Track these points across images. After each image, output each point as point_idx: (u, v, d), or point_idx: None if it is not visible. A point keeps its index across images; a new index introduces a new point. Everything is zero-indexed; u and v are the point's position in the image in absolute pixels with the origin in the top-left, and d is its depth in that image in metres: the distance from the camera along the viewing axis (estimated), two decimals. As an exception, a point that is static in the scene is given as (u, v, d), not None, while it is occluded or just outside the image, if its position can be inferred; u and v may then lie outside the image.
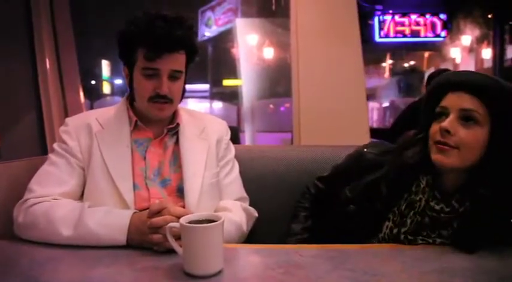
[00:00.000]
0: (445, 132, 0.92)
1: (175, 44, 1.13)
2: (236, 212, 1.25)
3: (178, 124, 1.26)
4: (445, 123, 0.92)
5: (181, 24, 1.14)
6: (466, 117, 0.92)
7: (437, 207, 0.98)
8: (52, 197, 1.11)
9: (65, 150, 1.19)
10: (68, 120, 1.25)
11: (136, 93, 1.20)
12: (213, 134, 1.32)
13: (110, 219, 1.03)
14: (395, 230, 1.04)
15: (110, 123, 1.23)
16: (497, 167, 0.92)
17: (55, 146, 1.21)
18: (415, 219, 1.02)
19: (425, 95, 1.05)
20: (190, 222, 0.85)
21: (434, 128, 0.96)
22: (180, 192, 1.22)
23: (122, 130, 1.22)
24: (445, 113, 0.95)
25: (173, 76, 1.17)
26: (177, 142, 1.26)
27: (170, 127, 1.25)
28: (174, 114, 1.28)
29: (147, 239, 0.97)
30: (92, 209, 1.07)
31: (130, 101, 1.27)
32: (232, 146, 1.39)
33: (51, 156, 1.20)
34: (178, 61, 1.16)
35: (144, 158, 1.22)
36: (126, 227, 1.01)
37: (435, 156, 0.95)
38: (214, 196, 1.28)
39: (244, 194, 1.36)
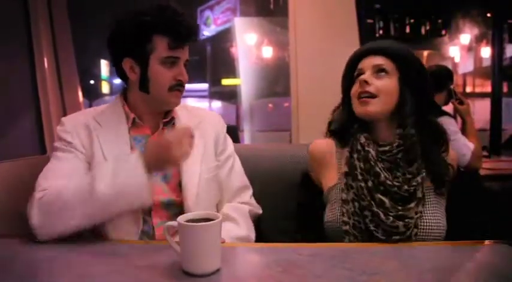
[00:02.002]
0: (364, 82, 1.11)
1: (195, 35, 1.19)
2: (243, 224, 1.24)
3: (173, 117, 1.27)
4: (363, 76, 1.12)
5: (188, 17, 1.18)
6: (378, 70, 1.12)
7: (386, 148, 1.11)
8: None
9: (70, 146, 1.17)
10: (64, 119, 1.23)
11: (153, 83, 1.18)
12: (209, 127, 1.32)
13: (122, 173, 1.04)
14: (369, 183, 1.09)
15: (107, 121, 1.22)
16: (410, 108, 1.11)
17: (57, 144, 1.19)
18: (376, 166, 1.10)
19: (345, 68, 1.22)
20: (188, 221, 0.85)
21: (355, 88, 1.15)
22: (181, 187, 1.22)
23: (120, 127, 1.22)
24: (361, 74, 1.15)
25: (185, 65, 1.21)
26: None
27: (166, 121, 1.26)
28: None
29: (171, 154, 1.02)
30: (98, 169, 1.08)
31: (125, 97, 1.26)
32: (229, 139, 1.40)
33: (56, 153, 1.18)
34: (188, 51, 1.21)
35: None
36: (142, 169, 1.03)
37: (359, 109, 1.13)
38: (213, 190, 1.28)
39: (247, 183, 1.37)
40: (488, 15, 5.18)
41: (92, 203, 1.03)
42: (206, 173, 1.26)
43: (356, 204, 1.09)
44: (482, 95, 7.23)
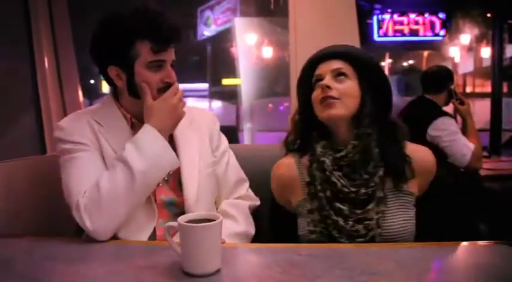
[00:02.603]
0: (326, 87, 1.09)
1: (178, 35, 1.17)
2: (241, 221, 1.25)
3: None
4: (323, 81, 1.11)
5: (170, 17, 1.16)
6: (338, 74, 1.12)
7: (343, 154, 1.10)
8: None
9: (79, 146, 1.15)
10: (62, 123, 1.20)
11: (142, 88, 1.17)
12: (203, 124, 1.34)
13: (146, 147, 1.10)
14: (328, 192, 1.09)
15: (106, 121, 1.21)
16: (370, 109, 1.11)
17: (66, 146, 1.15)
18: (333, 176, 1.09)
19: (300, 74, 1.21)
20: (188, 222, 0.85)
21: (316, 93, 1.13)
22: (181, 186, 1.23)
23: (121, 127, 1.22)
24: (320, 79, 1.13)
25: (172, 66, 1.19)
26: (171, 136, 1.25)
27: None
28: None
29: (180, 112, 1.15)
30: (122, 154, 1.10)
31: (117, 99, 1.26)
32: (223, 136, 1.41)
33: (68, 156, 1.14)
34: (173, 52, 1.20)
35: None
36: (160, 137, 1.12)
37: (322, 114, 1.11)
38: (212, 187, 1.30)
39: (243, 176, 1.39)
40: (488, 15, 5.17)
41: (134, 185, 1.06)
42: (205, 169, 1.26)
43: (319, 212, 1.10)
44: (483, 95, 7.24)
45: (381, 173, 1.08)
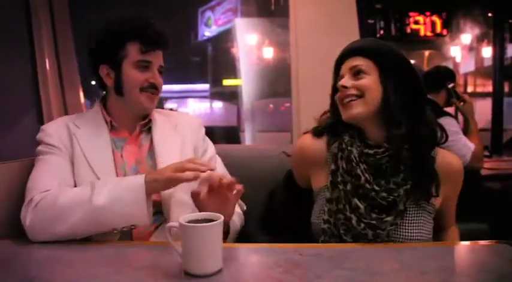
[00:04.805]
0: (343, 88, 1.09)
1: (165, 40, 1.26)
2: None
3: (150, 120, 1.31)
4: (340, 82, 1.10)
5: (159, 24, 1.24)
6: (356, 72, 1.09)
7: (371, 152, 1.07)
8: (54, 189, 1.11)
9: (53, 148, 1.21)
10: (44, 127, 1.27)
11: (126, 85, 1.23)
12: (186, 129, 1.35)
13: (123, 185, 1.07)
14: (348, 185, 1.07)
15: (86, 124, 1.26)
16: (395, 104, 1.06)
17: (41, 148, 1.22)
18: (358, 168, 1.07)
19: (333, 75, 1.20)
20: (189, 222, 0.85)
21: (337, 95, 1.13)
22: None
23: (100, 130, 1.26)
24: (342, 78, 1.12)
25: (160, 71, 1.27)
26: (152, 140, 1.29)
27: (143, 123, 1.30)
28: None
29: (174, 177, 1.04)
30: (101, 183, 1.09)
31: (104, 104, 1.31)
32: (209, 141, 1.41)
33: (40, 157, 1.21)
34: (162, 58, 1.27)
35: (121, 156, 1.25)
36: (143, 180, 1.06)
37: (344, 115, 1.11)
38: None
39: (228, 175, 1.36)
40: (490, 15, 5.16)
41: (87, 214, 1.04)
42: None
43: (336, 204, 1.09)
44: (484, 95, 7.22)
45: (408, 186, 1.06)
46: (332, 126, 1.17)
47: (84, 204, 1.04)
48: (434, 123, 1.11)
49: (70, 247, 1.02)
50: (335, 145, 1.14)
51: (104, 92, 1.33)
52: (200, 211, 1.08)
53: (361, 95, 1.07)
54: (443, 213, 1.16)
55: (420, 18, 5.18)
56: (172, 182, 1.07)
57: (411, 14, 5.15)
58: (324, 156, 1.16)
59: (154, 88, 1.25)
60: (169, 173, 1.05)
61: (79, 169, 1.19)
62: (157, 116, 1.35)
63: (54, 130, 1.24)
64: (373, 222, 1.04)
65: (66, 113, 2.11)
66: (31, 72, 2.01)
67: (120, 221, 1.07)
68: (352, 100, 1.08)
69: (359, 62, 1.10)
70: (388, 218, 1.04)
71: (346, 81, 1.09)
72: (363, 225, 1.04)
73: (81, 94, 2.23)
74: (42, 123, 2.02)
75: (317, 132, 1.19)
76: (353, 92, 1.08)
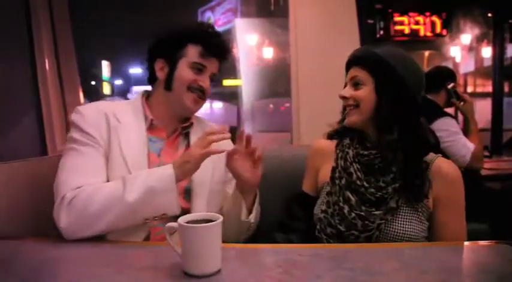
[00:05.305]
0: (343, 98, 1.19)
1: (226, 51, 1.32)
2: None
3: (192, 123, 1.31)
4: (340, 93, 1.19)
5: (225, 37, 1.31)
6: (355, 83, 1.17)
7: (365, 153, 1.16)
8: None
9: (89, 139, 1.16)
10: (82, 109, 1.21)
11: (176, 81, 1.26)
12: (223, 144, 1.27)
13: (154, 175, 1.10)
14: (342, 180, 1.17)
15: (126, 119, 1.23)
16: (386, 113, 1.13)
17: (76, 135, 1.16)
18: (352, 166, 1.17)
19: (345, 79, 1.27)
20: (188, 222, 0.85)
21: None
22: (186, 194, 1.23)
23: (138, 127, 1.24)
24: (345, 87, 1.21)
25: (211, 78, 1.30)
26: (188, 144, 1.29)
27: (184, 125, 1.30)
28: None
29: (205, 152, 1.09)
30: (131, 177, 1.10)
31: (146, 99, 1.31)
32: None
33: (74, 146, 1.15)
34: (217, 67, 1.32)
35: (159, 156, 1.24)
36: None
37: (345, 121, 1.20)
38: (219, 202, 1.31)
39: None
40: (489, 15, 5.17)
41: (122, 211, 1.07)
42: (215, 186, 1.28)
43: (332, 196, 1.18)
44: (484, 95, 7.22)
45: (396, 185, 1.11)
46: (340, 130, 1.27)
47: (118, 201, 1.06)
48: (426, 130, 1.17)
49: (70, 247, 1.02)
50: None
51: (150, 88, 1.35)
52: (235, 176, 1.22)
53: (357, 104, 1.16)
54: (444, 224, 1.14)
55: (420, 19, 5.19)
56: (204, 159, 1.12)
57: (411, 14, 5.15)
58: (332, 154, 1.27)
59: (201, 91, 1.26)
60: (199, 150, 1.10)
61: (114, 164, 1.16)
62: (197, 122, 1.36)
63: (92, 117, 1.19)
64: (363, 213, 1.11)
65: (65, 113, 2.11)
66: (31, 72, 2.01)
67: (152, 212, 1.10)
68: (350, 109, 1.18)
69: (358, 72, 1.17)
70: (377, 212, 1.11)
71: (345, 91, 1.18)
72: (353, 215, 1.12)
73: (81, 94, 2.23)
74: (41, 123, 2.02)
75: (328, 136, 1.31)
76: (351, 102, 1.17)
